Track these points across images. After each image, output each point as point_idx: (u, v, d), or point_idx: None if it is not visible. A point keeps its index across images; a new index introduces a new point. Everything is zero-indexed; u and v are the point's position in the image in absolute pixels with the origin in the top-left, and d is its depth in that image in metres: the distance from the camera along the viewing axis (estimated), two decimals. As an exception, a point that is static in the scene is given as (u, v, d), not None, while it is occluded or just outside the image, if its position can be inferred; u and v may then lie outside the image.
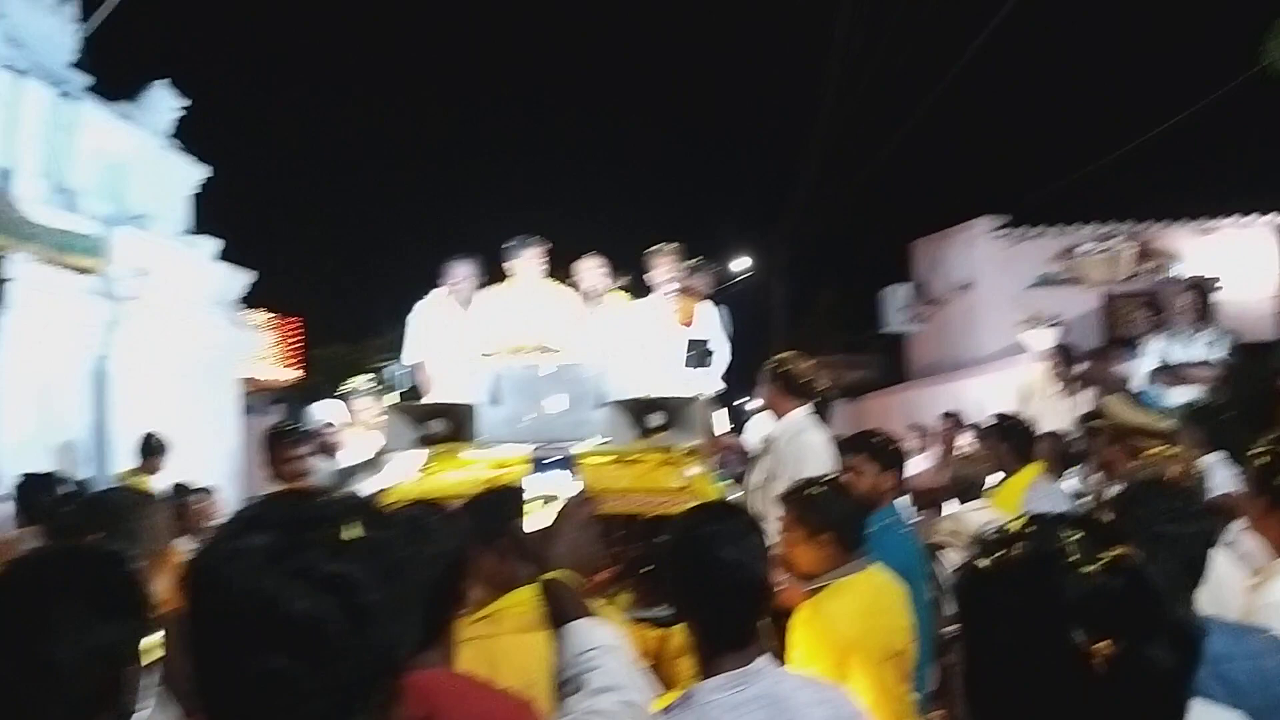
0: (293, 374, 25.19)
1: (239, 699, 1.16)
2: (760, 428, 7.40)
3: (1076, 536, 1.27)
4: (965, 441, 9.67)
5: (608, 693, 1.70)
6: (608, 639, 1.84)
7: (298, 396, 22.61)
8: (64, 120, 8.81)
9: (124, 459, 8.39)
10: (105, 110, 9.59)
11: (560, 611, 1.91)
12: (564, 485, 2.28)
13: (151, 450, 8.12)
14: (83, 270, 7.64)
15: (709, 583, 2.42)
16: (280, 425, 6.54)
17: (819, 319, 27.77)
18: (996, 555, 1.30)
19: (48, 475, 5.53)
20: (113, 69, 10.33)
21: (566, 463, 2.28)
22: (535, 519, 2.20)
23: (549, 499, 2.25)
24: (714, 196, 24.56)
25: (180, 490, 7.19)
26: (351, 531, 1.19)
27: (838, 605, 3.33)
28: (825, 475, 4.04)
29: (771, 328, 25.86)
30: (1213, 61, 13.97)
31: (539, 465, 2.31)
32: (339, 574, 1.17)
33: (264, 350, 12.94)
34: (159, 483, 7.91)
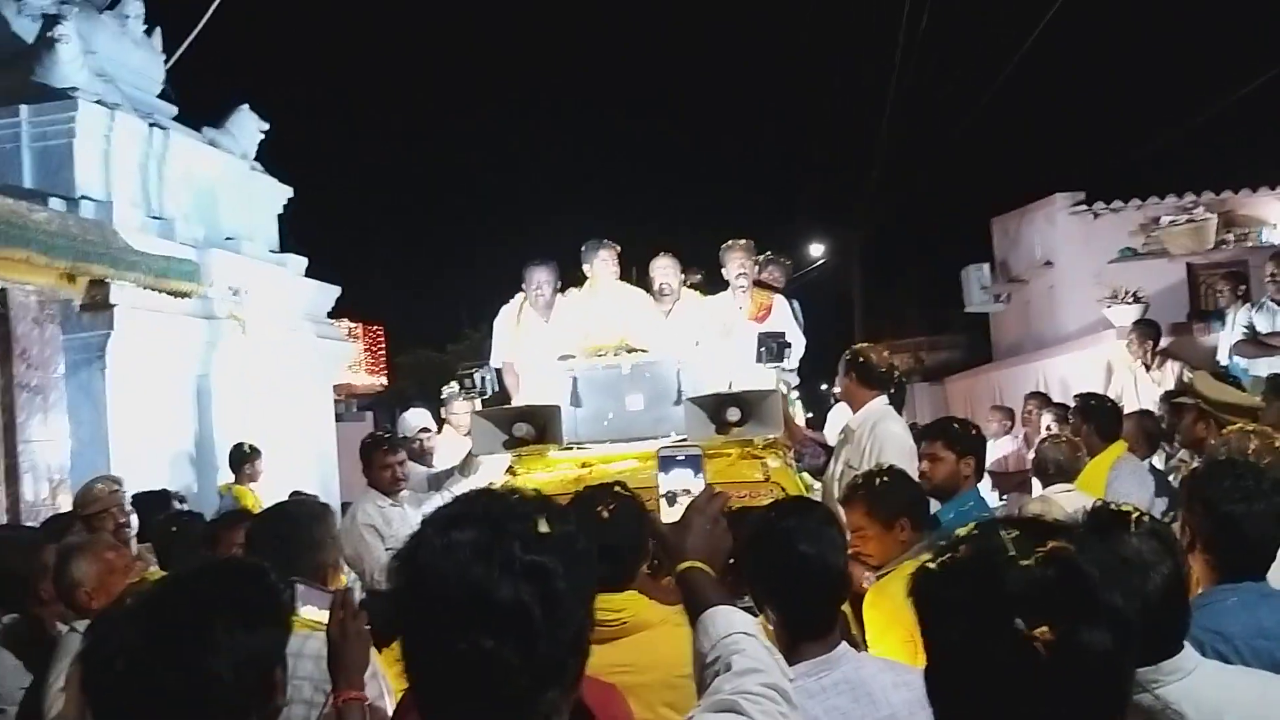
0: (379, 380, 25.78)
1: (450, 677, 1.32)
2: (839, 418, 7.50)
3: (1014, 534, 1.39)
4: (1049, 422, 9.62)
5: (753, 674, 1.79)
6: (748, 624, 1.93)
7: (386, 401, 23.12)
8: (156, 150, 9.21)
9: (226, 471, 8.75)
10: (193, 137, 9.99)
11: (700, 599, 1.99)
12: (691, 481, 2.41)
13: (243, 459, 8.43)
14: (182, 295, 7.99)
15: (789, 575, 2.56)
16: (376, 434, 6.79)
17: (900, 302, 27.60)
18: (943, 557, 1.43)
19: (161, 493, 5.83)
20: (195, 96, 10.77)
21: (694, 460, 2.40)
22: (666, 515, 2.33)
23: (677, 495, 2.39)
24: (788, 185, 24.51)
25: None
26: (544, 526, 1.36)
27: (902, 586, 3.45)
28: (887, 464, 4.14)
29: (852, 313, 25.78)
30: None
31: (666, 463, 2.43)
32: (537, 564, 1.33)
33: (352, 359, 13.26)
34: (260, 490, 8.27)
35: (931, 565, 1.44)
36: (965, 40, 17.22)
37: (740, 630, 1.89)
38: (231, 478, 8.42)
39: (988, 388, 16.23)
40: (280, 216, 11.23)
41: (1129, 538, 2.23)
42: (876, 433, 5.53)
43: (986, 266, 17.10)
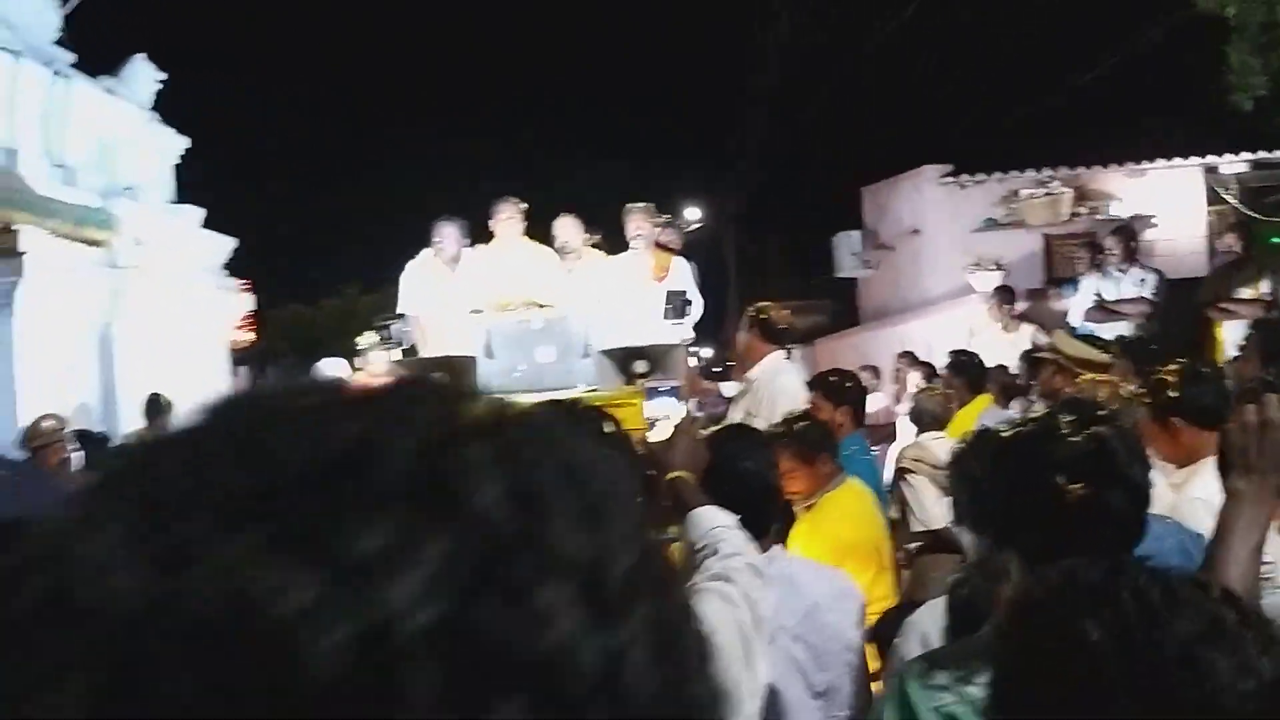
0: (247, 336, 25.54)
1: None
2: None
3: (1071, 418, 1.92)
4: (917, 379, 10.36)
5: (736, 555, 2.24)
6: (727, 519, 2.38)
7: (255, 356, 22.97)
8: (58, 98, 9.21)
9: (130, 419, 8.88)
10: (93, 86, 9.97)
11: (688, 501, 2.41)
12: (673, 409, 2.89)
13: (159, 410, 8.60)
14: (92, 243, 8.10)
15: (735, 487, 3.07)
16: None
17: (769, 266, 28.39)
18: (1014, 429, 1.98)
19: (101, 435, 6.07)
20: (89, 44, 10.69)
21: (674, 391, 2.89)
22: (654, 434, 2.77)
23: (660, 419, 2.85)
24: (666, 149, 25.05)
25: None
26: (608, 425, 1.79)
27: (834, 514, 4.01)
28: (799, 410, 4.70)
29: (725, 275, 26.46)
30: (1143, 6, 14.71)
31: (650, 393, 2.91)
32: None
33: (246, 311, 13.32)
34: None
35: (1007, 433, 1.99)
36: (838, 12, 17.89)
37: (722, 524, 2.37)
38: (141, 425, 8.56)
39: (855, 349, 17.00)
40: (176, 167, 11.26)
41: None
42: (775, 385, 6.08)
43: (858, 233, 17.83)
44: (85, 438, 5.97)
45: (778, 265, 28.33)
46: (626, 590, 0.42)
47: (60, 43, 10.22)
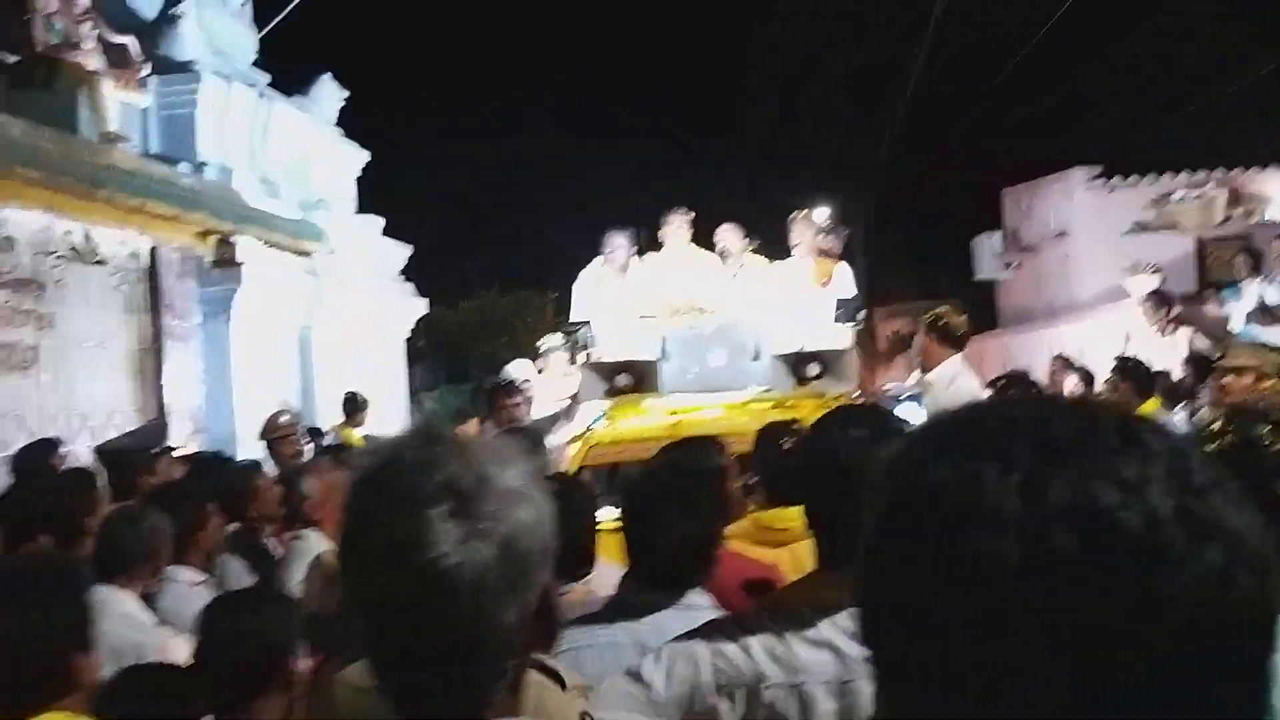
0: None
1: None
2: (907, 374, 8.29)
3: (1267, 428, 2.25)
4: (1073, 383, 10.45)
5: None
6: None
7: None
8: (262, 117, 9.97)
9: (326, 415, 9.58)
10: (288, 104, 10.74)
11: None
12: (916, 413, 3.24)
13: (356, 407, 9.28)
14: (299, 253, 8.79)
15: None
16: (499, 380, 7.63)
17: (902, 266, 28.32)
18: (1215, 444, 2.28)
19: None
20: (279, 64, 11.48)
21: (916, 398, 3.22)
22: None
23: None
24: (806, 145, 25.21)
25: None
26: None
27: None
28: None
29: (855, 276, 26.49)
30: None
31: (892, 401, 3.25)
32: None
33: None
34: (362, 435, 9.10)
35: (1210, 446, 2.27)
36: (990, 16, 17.90)
37: None
38: (339, 419, 9.24)
39: (996, 352, 17.01)
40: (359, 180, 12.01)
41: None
42: (954, 388, 6.35)
43: (998, 235, 17.81)
44: (314, 432, 6.56)
45: (909, 266, 28.29)
46: None
47: (257, 64, 11.03)
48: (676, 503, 2.66)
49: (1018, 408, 0.73)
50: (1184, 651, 0.64)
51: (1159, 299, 11.33)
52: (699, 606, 2.61)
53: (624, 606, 2.62)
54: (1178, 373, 8.98)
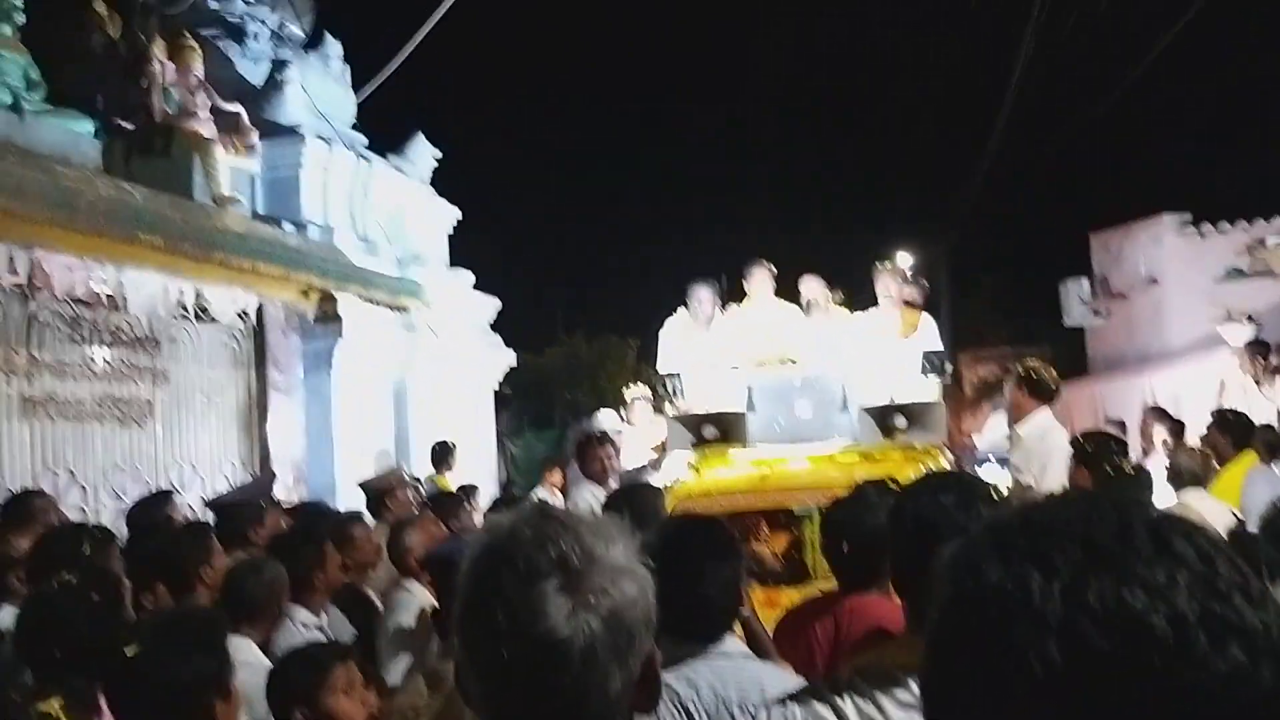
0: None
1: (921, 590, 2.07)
2: (995, 425, 8.27)
3: None
4: (1164, 434, 10.29)
5: None
6: None
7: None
8: (361, 178, 10.37)
9: (420, 463, 9.85)
10: (385, 165, 11.14)
11: None
12: (1000, 476, 3.30)
13: (446, 453, 9.54)
14: (396, 308, 9.11)
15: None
16: (591, 431, 7.81)
17: (985, 311, 28.03)
18: None
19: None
20: (373, 125, 11.92)
21: (1004, 461, 3.29)
22: None
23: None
24: (890, 189, 25.34)
25: (467, 490, 8.57)
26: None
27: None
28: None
29: (938, 320, 26.23)
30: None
31: (980, 461, 3.33)
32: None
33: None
34: (454, 482, 9.34)
35: None
36: (1079, 60, 17.81)
37: None
38: (431, 469, 9.50)
39: (1088, 399, 16.81)
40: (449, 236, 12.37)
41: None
42: (1046, 443, 6.35)
43: (1086, 280, 17.63)
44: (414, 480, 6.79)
45: (992, 311, 27.98)
46: None
47: (355, 126, 11.47)
48: (703, 555, 2.75)
49: (1065, 511, 0.83)
50: None
51: (1256, 347, 11.15)
52: (732, 654, 2.71)
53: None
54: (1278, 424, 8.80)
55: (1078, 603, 0.75)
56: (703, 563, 2.75)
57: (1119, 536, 0.79)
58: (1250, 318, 12.50)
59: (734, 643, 2.77)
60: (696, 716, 2.61)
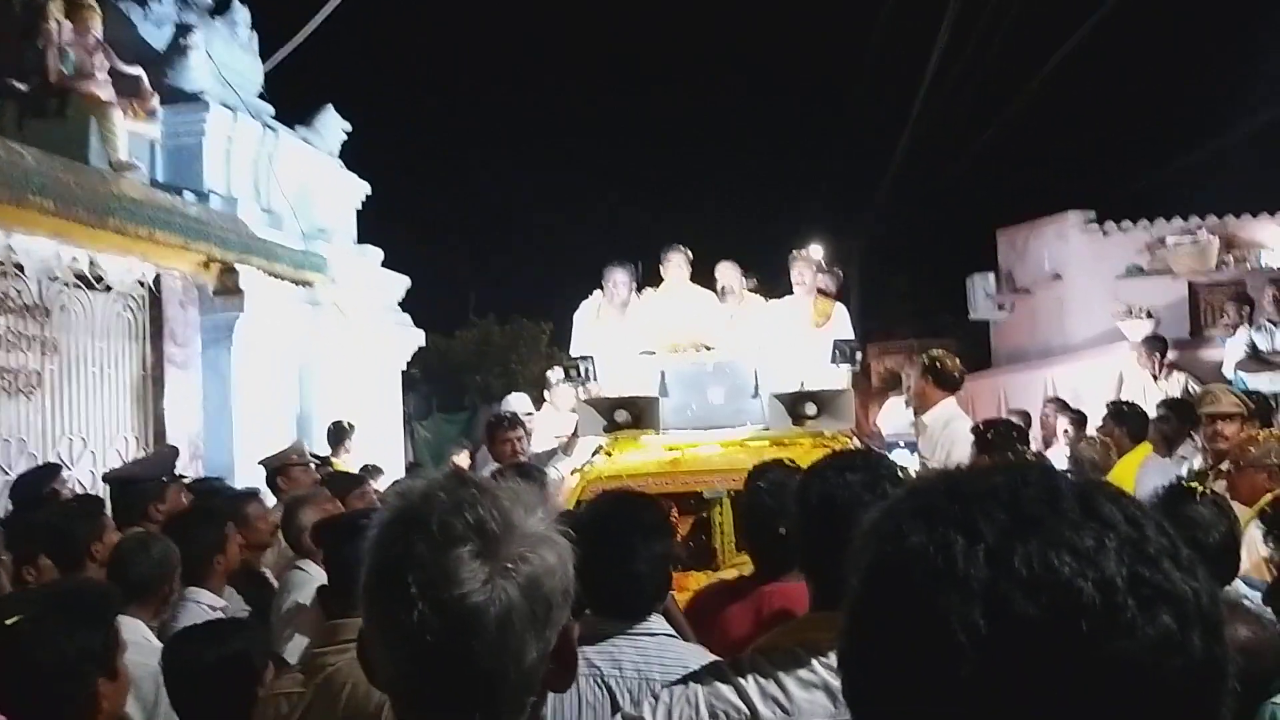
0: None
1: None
2: (892, 413, 8.33)
3: None
4: (1065, 425, 10.53)
5: None
6: None
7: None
8: (267, 148, 10.08)
9: (320, 443, 9.62)
10: (292, 136, 10.85)
11: None
12: (909, 460, 3.32)
13: (341, 435, 9.31)
14: (300, 283, 8.87)
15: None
16: (500, 413, 7.70)
17: (892, 305, 28.49)
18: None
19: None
20: (283, 95, 11.61)
21: (912, 445, 3.32)
22: None
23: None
24: (794, 186, 25.60)
25: (370, 471, 8.41)
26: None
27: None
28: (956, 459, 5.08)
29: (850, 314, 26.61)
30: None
31: (890, 446, 3.36)
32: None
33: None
34: (350, 464, 9.14)
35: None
36: (987, 61, 18.12)
37: None
38: (328, 450, 9.27)
39: (992, 391, 17.11)
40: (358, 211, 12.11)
41: (1195, 506, 3.18)
42: (950, 430, 6.44)
43: (991, 275, 17.94)
44: (321, 460, 6.61)
45: (899, 305, 28.45)
46: None
47: (262, 96, 11.16)
48: (635, 533, 2.73)
49: (991, 477, 0.80)
50: (1141, 710, 0.70)
51: (1154, 343, 11.46)
52: (657, 633, 2.70)
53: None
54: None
55: (1003, 568, 0.72)
56: (634, 540, 2.73)
57: (1046, 501, 0.76)
58: (1149, 314, 12.81)
59: (659, 621, 2.73)
60: (619, 693, 2.58)
